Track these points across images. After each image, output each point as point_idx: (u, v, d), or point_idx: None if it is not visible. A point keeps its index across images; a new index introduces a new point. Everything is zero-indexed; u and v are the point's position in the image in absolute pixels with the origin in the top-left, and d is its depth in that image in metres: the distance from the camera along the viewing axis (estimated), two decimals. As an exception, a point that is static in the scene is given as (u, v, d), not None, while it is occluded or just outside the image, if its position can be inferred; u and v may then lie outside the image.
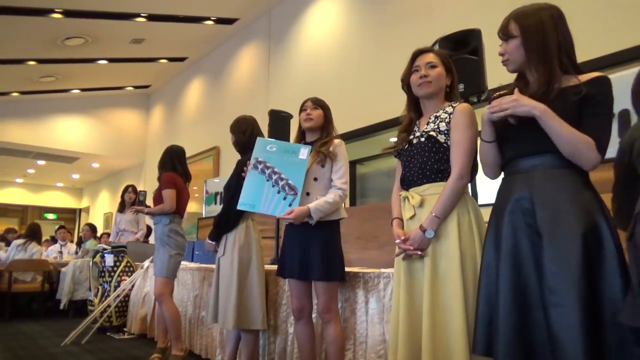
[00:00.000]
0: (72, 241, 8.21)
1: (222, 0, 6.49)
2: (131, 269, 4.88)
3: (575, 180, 1.39)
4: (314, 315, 2.47)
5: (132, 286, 4.71)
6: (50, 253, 7.02)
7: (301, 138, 2.49)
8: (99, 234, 7.61)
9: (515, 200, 1.43)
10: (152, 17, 6.59)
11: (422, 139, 1.80)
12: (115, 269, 4.82)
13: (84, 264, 5.86)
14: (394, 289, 1.84)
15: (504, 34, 1.50)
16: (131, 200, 5.25)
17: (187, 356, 3.41)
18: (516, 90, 1.44)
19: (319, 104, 2.43)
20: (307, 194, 2.31)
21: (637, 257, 1.16)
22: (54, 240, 7.97)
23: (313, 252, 2.26)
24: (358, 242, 3.01)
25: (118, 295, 4.61)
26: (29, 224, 6.75)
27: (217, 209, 3.12)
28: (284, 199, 2.27)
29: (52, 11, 6.07)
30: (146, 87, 10.11)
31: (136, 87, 10.08)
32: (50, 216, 15.23)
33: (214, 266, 2.93)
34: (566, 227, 1.33)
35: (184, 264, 3.82)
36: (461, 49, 2.46)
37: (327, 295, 2.27)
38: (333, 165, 2.33)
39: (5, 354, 3.78)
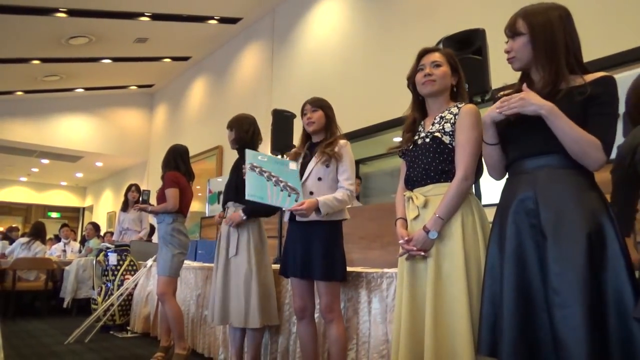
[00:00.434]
0: (75, 240, 8.24)
1: (225, 0, 6.50)
2: (134, 267, 4.89)
3: (580, 181, 1.38)
4: (316, 315, 2.47)
5: (136, 285, 4.72)
6: (53, 252, 7.04)
7: (306, 140, 2.49)
8: (102, 233, 7.63)
9: (519, 201, 1.42)
10: (156, 17, 6.60)
11: (427, 140, 1.79)
12: (118, 267, 4.83)
13: (88, 262, 5.88)
14: (398, 289, 1.84)
15: (511, 31, 1.50)
16: (134, 199, 5.26)
17: (190, 355, 3.41)
18: (524, 85, 1.43)
19: (317, 105, 2.42)
20: (311, 193, 2.31)
21: None
22: (57, 238, 8.00)
23: (315, 252, 2.27)
24: (361, 242, 3.01)
25: (121, 294, 4.62)
26: (33, 223, 6.77)
27: (220, 208, 3.10)
28: (289, 195, 2.28)
29: (57, 10, 6.09)
30: (150, 86, 10.13)
31: (140, 87, 10.11)
32: (54, 215, 15.28)
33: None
34: (571, 228, 1.32)
35: (187, 263, 3.83)
36: (465, 49, 2.45)
37: (329, 295, 2.27)
38: (339, 166, 2.33)
39: (9, 352, 3.79)
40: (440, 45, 2.46)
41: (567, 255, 1.30)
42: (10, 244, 6.78)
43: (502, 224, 1.46)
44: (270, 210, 2.65)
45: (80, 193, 15.56)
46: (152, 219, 5.44)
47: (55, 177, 14.12)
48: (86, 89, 9.52)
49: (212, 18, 6.91)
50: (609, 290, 1.28)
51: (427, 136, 1.80)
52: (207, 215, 7.04)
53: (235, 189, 2.81)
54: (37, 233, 6.31)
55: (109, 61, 8.09)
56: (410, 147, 1.85)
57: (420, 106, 1.90)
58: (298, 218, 2.33)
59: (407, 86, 1.91)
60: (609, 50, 3.03)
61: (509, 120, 1.45)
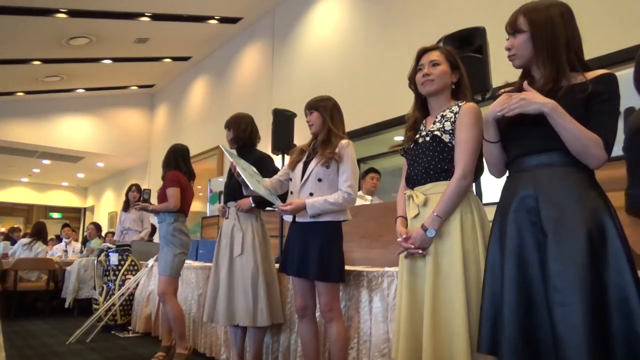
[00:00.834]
0: (76, 240, 8.25)
1: (226, 0, 6.50)
2: (136, 267, 4.90)
3: (581, 179, 1.38)
4: (317, 314, 2.47)
5: (137, 285, 4.72)
6: (55, 252, 7.05)
7: (314, 138, 2.48)
8: (103, 233, 7.64)
9: (520, 199, 1.42)
10: (156, 17, 6.61)
11: (427, 139, 1.79)
12: (119, 267, 4.83)
13: (89, 262, 5.88)
14: (398, 287, 1.84)
15: (512, 28, 1.49)
16: (135, 199, 5.27)
17: (191, 355, 3.42)
18: (525, 83, 1.43)
19: (312, 107, 2.42)
20: (311, 194, 2.30)
21: None
22: (59, 239, 8.01)
23: (311, 252, 2.27)
24: (362, 241, 3.01)
25: (122, 294, 4.63)
26: (34, 223, 6.78)
27: (220, 208, 3.11)
28: (271, 194, 2.41)
29: (57, 11, 6.10)
30: (150, 86, 10.14)
31: (140, 87, 10.11)
32: (55, 215, 15.31)
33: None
34: (571, 226, 1.32)
35: (188, 262, 3.83)
36: (465, 48, 2.44)
37: (328, 294, 2.28)
38: (339, 167, 2.31)
39: (11, 352, 3.80)
40: (441, 44, 2.45)
41: (568, 254, 1.29)
42: (12, 244, 6.79)
43: (503, 222, 1.46)
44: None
45: (81, 193, 15.58)
46: (153, 219, 5.45)
47: (57, 178, 14.14)
48: (87, 89, 9.53)
49: (212, 18, 6.91)
50: (611, 287, 1.27)
51: (427, 135, 1.80)
52: (208, 215, 7.04)
53: (235, 189, 2.82)
54: (39, 233, 6.32)
55: (109, 61, 8.10)
56: (412, 145, 1.86)
57: (422, 105, 1.90)
58: (297, 219, 2.34)
59: (408, 86, 1.91)
60: (610, 47, 3.02)
61: (510, 118, 1.44)
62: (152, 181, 9.72)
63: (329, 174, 2.31)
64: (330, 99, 2.45)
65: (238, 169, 2.37)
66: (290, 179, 2.46)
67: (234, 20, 7.06)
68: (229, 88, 7.65)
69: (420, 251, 1.69)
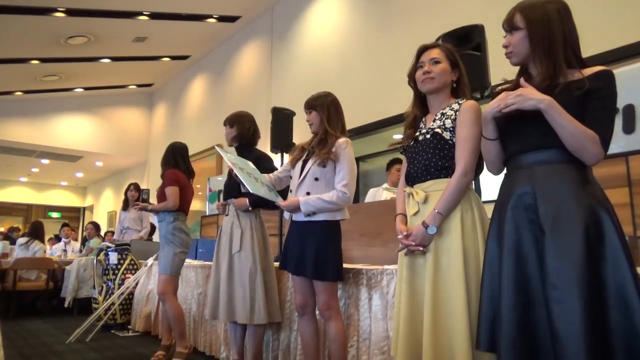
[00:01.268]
0: (76, 239, 8.24)
1: (224, -2, 6.50)
2: (135, 266, 4.90)
3: (578, 176, 1.38)
4: (317, 312, 2.47)
5: (136, 284, 4.72)
6: (54, 251, 7.05)
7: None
8: (102, 232, 7.64)
9: (517, 196, 1.42)
10: (154, 16, 6.60)
11: (428, 136, 1.79)
12: (119, 266, 4.83)
13: (88, 262, 5.89)
14: (397, 284, 1.84)
15: (509, 25, 1.49)
16: (134, 198, 5.26)
17: (191, 353, 3.42)
18: (522, 80, 1.43)
19: (310, 106, 2.41)
20: (308, 193, 2.30)
21: None
22: (58, 238, 8.01)
23: (307, 250, 2.27)
24: (362, 239, 3.01)
25: (122, 293, 4.63)
26: (32, 222, 6.78)
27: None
28: (270, 191, 2.43)
29: (55, 10, 6.09)
30: (149, 85, 10.13)
31: (139, 86, 10.10)
32: (55, 215, 15.29)
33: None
34: (568, 223, 1.32)
35: (188, 261, 3.83)
36: (464, 45, 2.44)
37: (326, 293, 2.28)
38: (336, 166, 2.30)
39: (11, 352, 3.80)
40: (440, 42, 2.46)
41: (565, 250, 1.30)
42: (12, 244, 6.79)
43: (501, 219, 1.46)
44: (272, 203, 2.64)
45: (80, 193, 15.57)
46: (153, 218, 5.45)
47: (56, 177, 14.13)
48: (85, 88, 9.51)
49: (210, 17, 6.90)
50: (609, 283, 1.27)
51: (427, 132, 1.80)
52: (207, 213, 7.05)
53: (234, 189, 2.82)
54: (36, 232, 6.31)
55: (108, 60, 8.08)
56: (411, 143, 1.86)
57: (421, 103, 1.90)
58: (294, 217, 2.35)
59: (407, 83, 1.91)
60: (608, 44, 3.02)
61: (508, 115, 1.44)
62: (151, 180, 9.71)
63: (326, 172, 2.31)
64: (329, 95, 2.42)
65: (235, 170, 2.37)
66: (291, 177, 2.46)
67: (232, 19, 7.05)
68: (228, 87, 7.65)
69: (421, 248, 1.69)
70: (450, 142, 1.75)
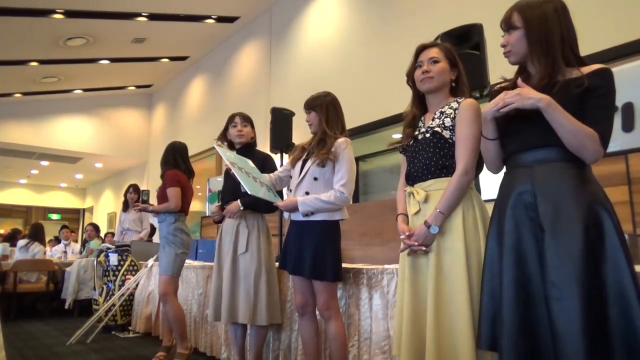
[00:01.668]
0: (76, 241, 8.24)
1: (223, -1, 6.50)
2: (135, 267, 4.90)
3: (577, 174, 1.38)
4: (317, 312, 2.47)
5: (137, 285, 4.72)
6: (54, 253, 7.05)
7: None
8: (103, 234, 7.64)
9: (517, 195, 1.42)
10: (153, 17, 6.60)
11: (427, 135, 1.79)
12: (119, 268, 4.83)
13: (89, 263, 5.88)
14: (399, 284, 1.84)
15: (507, 25, 1.50)
16: (133, 199, 5.26)
17: (192, 354, 3.42)
18: (519, 80, 1.43)
19: (309, 107, 2.41)
20: (306, 193, 2.30)
21: None
22: (58, 240, 8.00)
23: (306, 250, 2.27)
24: (362, 238, 3.01)
25: (122, 294, 4.63)
26: (32, 224, 6.79)
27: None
28: (269, 190, 2.43)
29: (54, 12, 6.08)
30: (148, 86, 10.13)
31: (138, 87, 10.10)
32: (54, 216, 15.28)
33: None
34: (568, 221, 1.32)
35: (188, 262, 3.83)
36: (463, 44, 2.45)
37: (325, 293, 2.28)
38: (335, 166, 2.29)
39: (11, 353, 3.80)
40: (438, 41, 2.46)
41: (565, 249, 1.30)
42: (12, 245, 6.79)
43: (501, 218, 1.46)
44: (269, 205, 2.64)
45: (80, 194, 15.56)
46: (153, 219, 5.45)
47: (55, 179, 14.12)
48: (84, 90, 9.51)
49: (209, 17, 6.90)
50: (609, 281, 1.28)
51: (427, 131, 1.80)
52: (207, 214, 7.04)
53: (228, 193, 2.83)
54: (36, 234, 6.31)
55: (106, 62, 8.08)
56: (411, 142, 1.85)
57: (420, 102, 1.90)
58: (293, 217, 2.35)
59: (406, 82, 1.91)
60: (607, 42, 3.02)
61: (507, 114, 1.44)
62: (151, 181, 9.71)
63: (325, 172, 2.30)
64: (328, 95, 2.41)
65: (234, 170, 2.35)
66: (291, 177, 2.46)
67: (231, 20, 7.05)
68: (227, 87, 7.65)
69: (424, 248, 1.69)
70: (450, 140, 1.75)
